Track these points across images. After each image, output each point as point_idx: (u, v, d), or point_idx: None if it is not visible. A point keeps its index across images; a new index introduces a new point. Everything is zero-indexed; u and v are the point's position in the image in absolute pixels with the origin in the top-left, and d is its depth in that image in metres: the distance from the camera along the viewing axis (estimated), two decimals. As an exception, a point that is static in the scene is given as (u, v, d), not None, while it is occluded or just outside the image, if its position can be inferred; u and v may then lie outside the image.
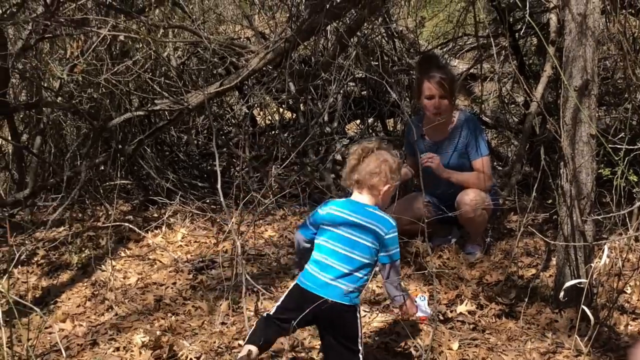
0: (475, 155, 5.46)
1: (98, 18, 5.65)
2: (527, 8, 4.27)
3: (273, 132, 7.66)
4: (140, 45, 6.10)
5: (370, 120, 8.14)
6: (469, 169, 5.48)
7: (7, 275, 4.24)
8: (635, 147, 3.97)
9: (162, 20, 5.81)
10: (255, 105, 7.61)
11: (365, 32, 7.43)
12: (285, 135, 7.56)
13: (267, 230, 6.07)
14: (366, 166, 3.54)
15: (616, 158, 3.91)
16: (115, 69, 5.58)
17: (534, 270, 5.17)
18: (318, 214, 3.57)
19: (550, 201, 5.24)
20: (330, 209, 3.54)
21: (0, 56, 5.29)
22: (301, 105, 7.32)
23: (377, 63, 7.33)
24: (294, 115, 7.70)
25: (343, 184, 3.68)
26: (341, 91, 7.25)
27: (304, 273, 3.53)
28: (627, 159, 4.10)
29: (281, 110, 7.68)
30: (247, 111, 7.46)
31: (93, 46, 5.53)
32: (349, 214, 3.47)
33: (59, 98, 6.29)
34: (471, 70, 7.67)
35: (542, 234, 5.47)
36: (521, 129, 6.29)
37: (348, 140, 7.51)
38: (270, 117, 8.03)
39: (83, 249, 5.54)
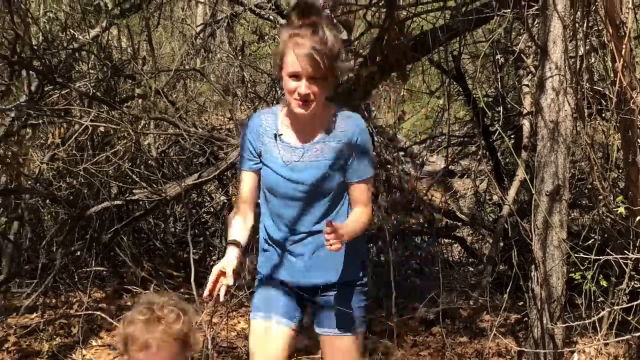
0: (360, 174, 3.37)
1: (81, 108, 5.73)
2: (501, 116, 4.38)
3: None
4: (122, 135, 6.17)
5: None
6: (333, 189, 3.37)
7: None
8: (603, 257, 4.03)
9: (144, 111, 5.89)
10: (234, 195, 7.65)
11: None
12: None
13: (239, 322, 6.05)
14: None
15: (584, 269, 3.98)
16: (95, 159, 5.64)
17: (505, 372, 5.17)
18: None
19: (522, 303, 5.27)
20: None
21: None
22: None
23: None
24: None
25: None
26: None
27: None
28: (597, 263, 4.16)
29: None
30: (225, 200, 7.49)
31: (75, 135, 5.60)
32: None
33: (38, 184, 6.32)
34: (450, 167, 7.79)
35: (514, 334, 5.48)
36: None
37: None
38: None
39: (54, 336, 5.50)
